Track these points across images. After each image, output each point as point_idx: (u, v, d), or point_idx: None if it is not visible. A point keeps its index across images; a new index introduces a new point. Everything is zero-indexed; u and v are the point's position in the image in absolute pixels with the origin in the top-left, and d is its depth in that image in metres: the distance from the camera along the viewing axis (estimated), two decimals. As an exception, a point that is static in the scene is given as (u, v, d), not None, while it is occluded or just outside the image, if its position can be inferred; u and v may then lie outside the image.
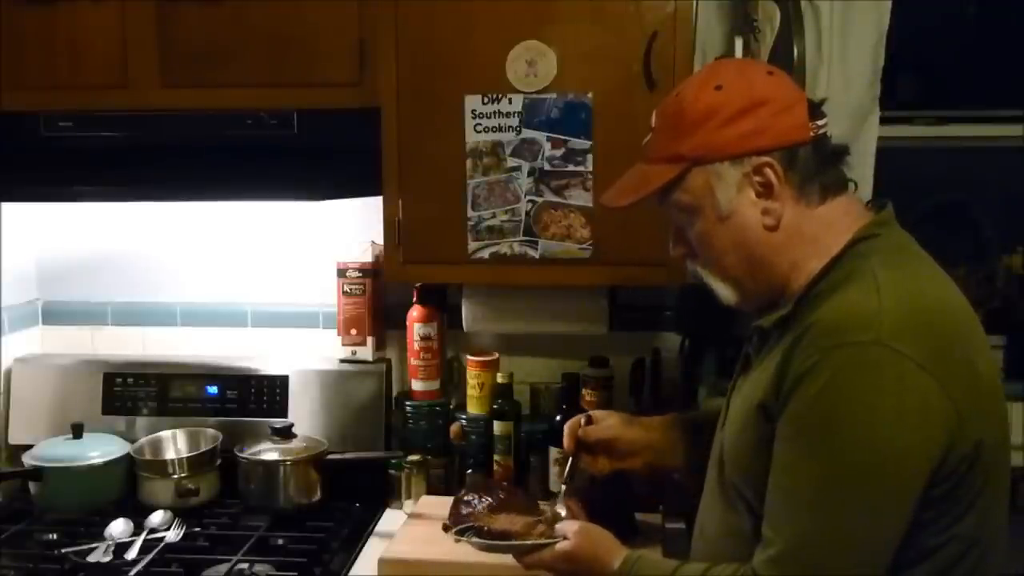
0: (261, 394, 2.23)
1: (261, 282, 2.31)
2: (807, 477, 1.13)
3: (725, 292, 1.30)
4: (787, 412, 1.15)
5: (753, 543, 1.23)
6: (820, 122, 1.25)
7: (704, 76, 1.31)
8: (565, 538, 1.36)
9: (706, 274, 1.31)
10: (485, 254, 1.85)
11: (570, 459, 1.58)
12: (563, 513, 1.50)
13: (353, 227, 2.21)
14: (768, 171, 1.22)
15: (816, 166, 1.24)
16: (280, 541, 1.92)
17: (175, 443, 2.18)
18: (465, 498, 1.84)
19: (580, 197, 1.81)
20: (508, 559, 1.46)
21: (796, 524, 1.13)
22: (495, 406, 2.11)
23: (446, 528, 1.83)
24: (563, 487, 1.58)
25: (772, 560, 1.14)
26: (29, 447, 2.14)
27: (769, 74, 1.28)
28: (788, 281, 1.26)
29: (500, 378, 2.11)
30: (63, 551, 1.87)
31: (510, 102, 1.80)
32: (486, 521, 1.51)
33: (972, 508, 1.16)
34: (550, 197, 1.82)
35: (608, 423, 1.58)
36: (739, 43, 1.73)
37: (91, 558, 1.84)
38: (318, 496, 2.07)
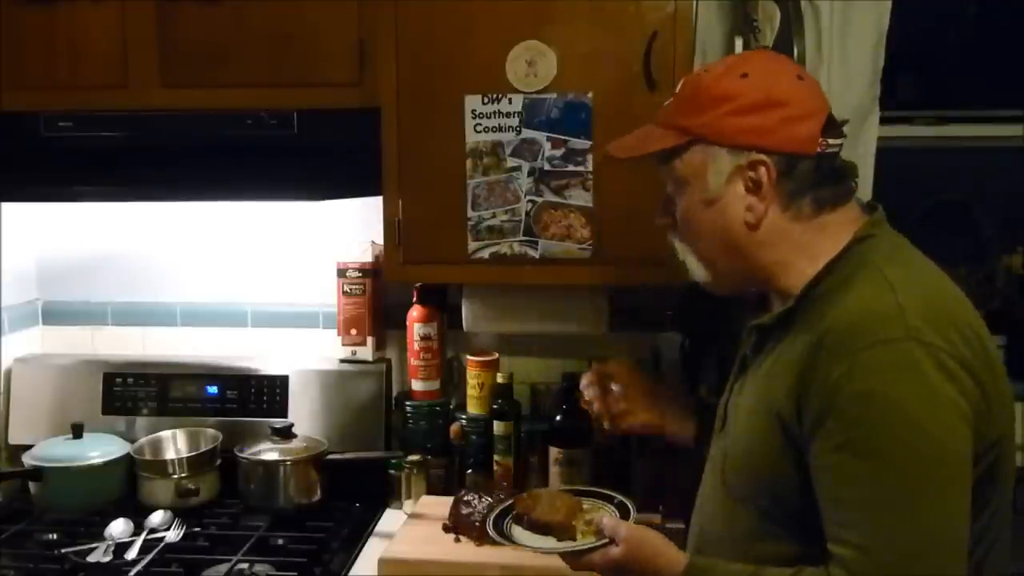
0: (261, 394, 2.23)
1: (261, 282, 2.32)
2: (874, 484, 1.10)
3: (698, 271, 1.33)
4: (830, 422, 1.13)
5: (760, 544, 1.22)
6: (833, 140, 1.24)
7: (735, 61, 1.34)
8: (613, 541, 1.31)
9: (683, 250, 1.34)
10: (485, 254, 1.85)
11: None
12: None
13: (353, 227, 2.21)
14: (762, 170, 1.22)
15: (814, 181, 1.24)
16: (280, 541, 1.92)
17: (175, 443, 2.18)
18: (465, 498, 1.85)
19: (580, 197, 1.81)
20: (517, 556, 1.45)
21: (879, 533, 1.10)
22: (495, 406, 2.11)
23: (446, 528, 1.84)
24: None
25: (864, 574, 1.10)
26: (29, 447, 2.14)
27: (799, 78, 1.26)
28: (773, 276, 1.27)
29: (500, 378, 2.11)
30: (63, 551, 1.87)
31: (510, 102, 1.80)
32: (525, 507, 1.45)
33: (983, 508, 1.17)
34: (550, 197, 1.82)
35: (621, 363, 1.63)
36: (739, 43, 1.73)
37: (91, 558, 1.84)
38: (318, 496, 2.07)
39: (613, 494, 1.52)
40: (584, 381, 1.62)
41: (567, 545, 1.37)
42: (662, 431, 1.59)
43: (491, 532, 1.44)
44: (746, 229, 1.25)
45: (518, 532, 1.44)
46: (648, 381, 1.62)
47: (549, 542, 1.40)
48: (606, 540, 1.32)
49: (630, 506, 1.46)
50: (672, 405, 1.60)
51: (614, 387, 1.59)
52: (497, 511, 1.49)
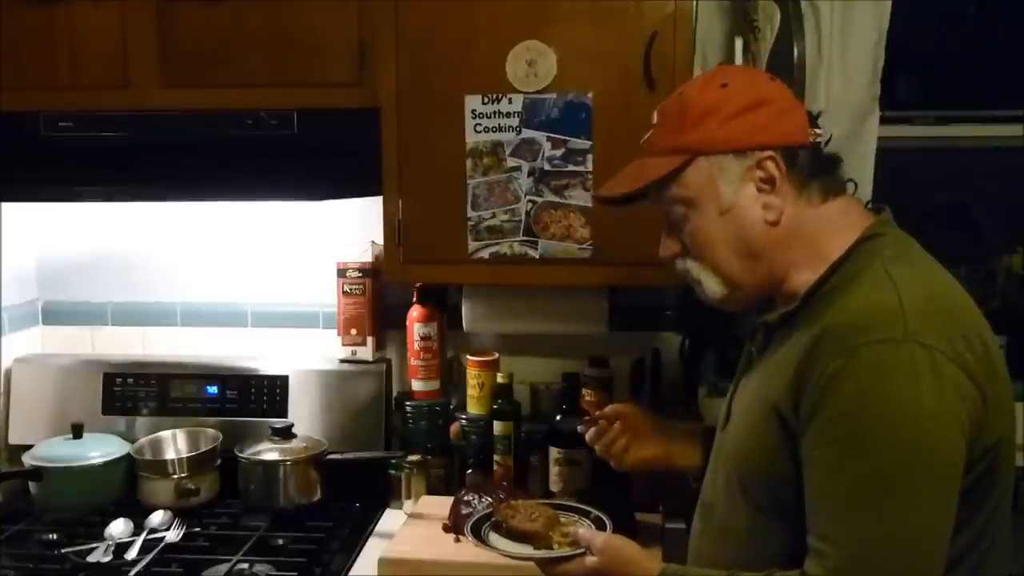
0: (261, 394, 2.23)
1: (261, 282, 2.32)
2: (859, 480, 1.10)
3: (715, 287, 1.30)
4: (823, 416, 1.13)
5: (756, 543, 1.22)
6: (817, 130, 1.27)
7: (708, 76, 1.35)
8: (588, 551, 1.34)
9: (698, 268, 1.30)
10: (485, 254, 1.85)
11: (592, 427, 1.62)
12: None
13: (353, 227, 2.21)
14: (771, 165, 1.23)
15: (814, 169, 1.26)
16: (280, 541, 1.92)
17: (175, 443, 2.18)
18: (465, 498, 1.85)
19: (580, 197, 1.81)
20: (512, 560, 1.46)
21: (857, 529, 1.10)
22: (495, 406, 2.11)
23: (446, 528, 1.84)
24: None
25: (834, 570, 1.11)
26: (29, 447, 2.14)
27: (771, 79, 1.31)
28: (786, 278, 1.27)
29: (500, 378, 2.11)
30: (63, 551, 1.87)
31: (510, 102, 1.80)
32: (504, 516, 1.49)
33: (980, 509, 1.17)
34: (550, 197, 1.82)
35: (625, 406, 1.63)
36: (739, 43, 1.73)
37: (91, 558, 1.84)
38: (318, 496, 2.07)
39: (590, 509, 1.55)
40: (581, 427, 1.64)
41: (545, 552, 1.40)
42: (667, 463, 1.59)
43: (469, 536, 1.47)
44: (766, 228, 1.25)
45: (495, 538, 1.48)
46: (647, 416, 1.62)
47: (526, 550, 1.44)
48: (582, 550, 1.35)
49: (606, 522, 1.50)
50: (674, 436, 1.59)
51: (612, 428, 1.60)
52: (476, 517, 1.53)
